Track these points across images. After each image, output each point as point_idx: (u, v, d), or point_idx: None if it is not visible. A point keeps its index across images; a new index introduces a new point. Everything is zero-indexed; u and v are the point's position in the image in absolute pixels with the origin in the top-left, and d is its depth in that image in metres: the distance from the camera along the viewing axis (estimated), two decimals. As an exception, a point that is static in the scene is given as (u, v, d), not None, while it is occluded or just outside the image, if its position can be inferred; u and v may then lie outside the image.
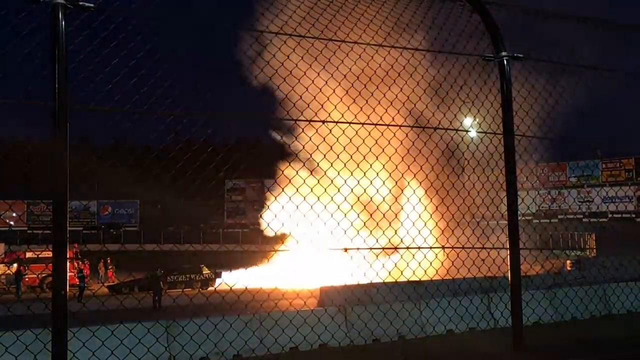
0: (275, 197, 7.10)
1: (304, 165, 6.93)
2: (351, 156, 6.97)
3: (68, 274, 4.24)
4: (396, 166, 6.95)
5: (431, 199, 7.56)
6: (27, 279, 42.58)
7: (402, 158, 6.93)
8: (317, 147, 6.70)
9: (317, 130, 6.11)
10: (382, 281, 9.46)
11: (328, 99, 6.33)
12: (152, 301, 32.07)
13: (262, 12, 5.86)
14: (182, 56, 5.77)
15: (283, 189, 6.76)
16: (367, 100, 6.61)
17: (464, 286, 16.21)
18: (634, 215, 55.57)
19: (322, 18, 5.99)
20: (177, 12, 5.25)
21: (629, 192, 56.25)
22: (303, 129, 6.56)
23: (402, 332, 16.48)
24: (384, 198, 7.05)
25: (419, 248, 6.50)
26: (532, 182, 7.41)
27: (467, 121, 7.11)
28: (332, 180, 6.59)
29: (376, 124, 6.09)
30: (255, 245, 55.08)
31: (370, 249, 6.43)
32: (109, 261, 51.20)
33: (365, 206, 7.10)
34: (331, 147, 6.71)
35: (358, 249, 6.23)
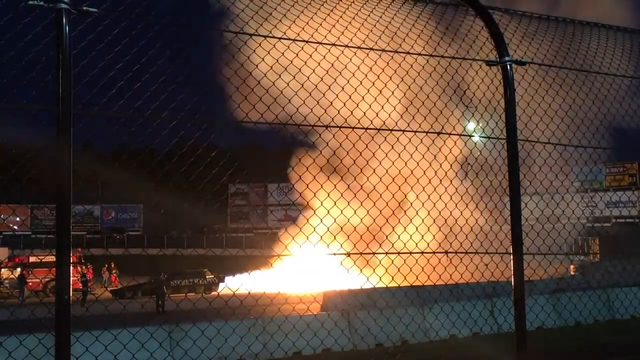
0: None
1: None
2: (354, 161, 6.97)
3: (71, 278, 4.23)
4: (399, 171, 6.95)
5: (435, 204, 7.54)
6: (30, 284, 42.65)
7: (406, 163, 6.92)
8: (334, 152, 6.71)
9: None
10: (385, 286, 9.47)
11: (331, 103, 6.33)
12: (156, 306, 32.10)
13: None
14: (186, 60, 5.78)
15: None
16: (370, 105, 6.61)
17: (467, 291, 16.23)
18: (637, 220, 55.47)
19: (325, 23, 6.00)
20: (180, 16, 5.27)
21: (632, 197, 56.18)
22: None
23: (405, 337, 16.47)
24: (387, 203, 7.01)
25: (422, 253, 6.49)
26: (535, 186, 7.38)
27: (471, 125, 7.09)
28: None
29: (379, 129, 6.08)
30: (259, 250, 55.08)
31: (374, 253, 6.43)
32: (112, 265, 51.27)
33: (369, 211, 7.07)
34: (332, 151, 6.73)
35: (361, 253, 6.22)
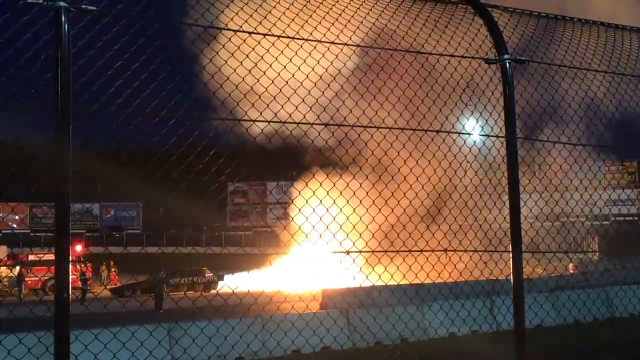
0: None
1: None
2: (353, 159, 6.97)
3: (70, 276, 4.23)
4: (399, 169, 6.95)
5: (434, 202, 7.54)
6: (29, 282, 42.69)
7: (405, 161, 6.91)
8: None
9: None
10: (384, 284, 9.49)
11: (330, 101, 6.33)
12: (155, 303, 32.16)
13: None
14: (185, 58, 5.78)
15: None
16: (369, 103, 6.61)
17: (466, 289, 16.22)
18: (636, 218, 55.52)
19: (325, 21, 5.99)
20: (180, 14, 5.26)
21: (631, 195, 56.24)
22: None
23: (404, 335, 16.48)
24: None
25: (422, 251, 6.49)
26: (534, 184, 7.39)
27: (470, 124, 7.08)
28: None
29: (379, 127, 6.08)
30: (258, 248, 55.07)
31: (373, 251, 6.43)
32: (111, 264, 51.26)
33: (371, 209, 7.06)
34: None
35: (360, 251, 6.21)
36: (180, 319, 14.70)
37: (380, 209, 6.85)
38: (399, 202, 7.07)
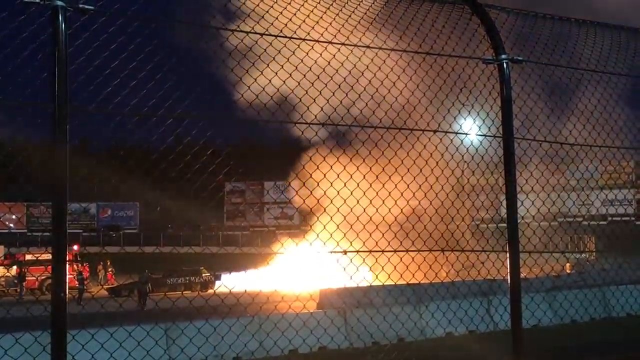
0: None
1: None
2: (351, 159, 6.97)
3: (67, 276, 4.23)
4: (396, 169, 6.94)
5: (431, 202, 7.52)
6: (26, 282, 42.69)
7: (402, 161, 6.91)
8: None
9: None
10: (381, 284, 9.50)
11: (328, 101, 6.32)
12: (139, 302, 32.57)
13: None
14: (182, 58, 5.77)
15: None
16: (366, 103, 6.61)
17: (463, 289, 16.23)
18: (633, 218, 55.50)
19: (322, 21, 5.99)
20: (179, 13, 5.26)
21: (628, 195, 56.22)
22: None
23: (401, 335, 16.50)
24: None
25: (419, 251, 6.49)
26: (531, 185, 7.39)
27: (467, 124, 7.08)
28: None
29: (375, 127, 6.08)
30: (255, 248, 55.06)
31: (370, 251, 6.42)
32: (108, 263, 51.21)
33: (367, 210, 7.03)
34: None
35: (357, 251, 6.21)
36: (176, 318, 14.69)
37: (377, 209, 6.84)
38: (396, 201, 7.05)
